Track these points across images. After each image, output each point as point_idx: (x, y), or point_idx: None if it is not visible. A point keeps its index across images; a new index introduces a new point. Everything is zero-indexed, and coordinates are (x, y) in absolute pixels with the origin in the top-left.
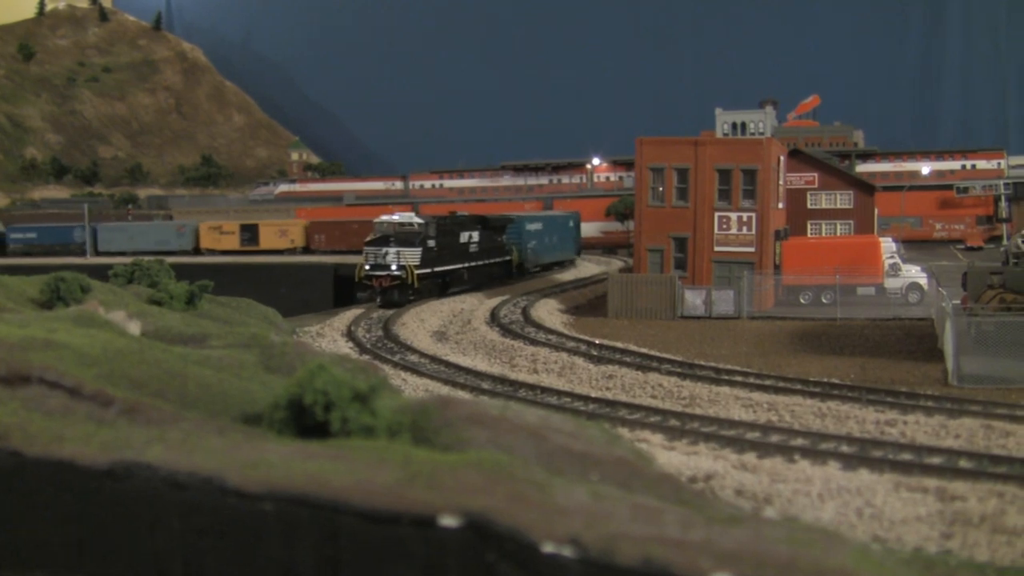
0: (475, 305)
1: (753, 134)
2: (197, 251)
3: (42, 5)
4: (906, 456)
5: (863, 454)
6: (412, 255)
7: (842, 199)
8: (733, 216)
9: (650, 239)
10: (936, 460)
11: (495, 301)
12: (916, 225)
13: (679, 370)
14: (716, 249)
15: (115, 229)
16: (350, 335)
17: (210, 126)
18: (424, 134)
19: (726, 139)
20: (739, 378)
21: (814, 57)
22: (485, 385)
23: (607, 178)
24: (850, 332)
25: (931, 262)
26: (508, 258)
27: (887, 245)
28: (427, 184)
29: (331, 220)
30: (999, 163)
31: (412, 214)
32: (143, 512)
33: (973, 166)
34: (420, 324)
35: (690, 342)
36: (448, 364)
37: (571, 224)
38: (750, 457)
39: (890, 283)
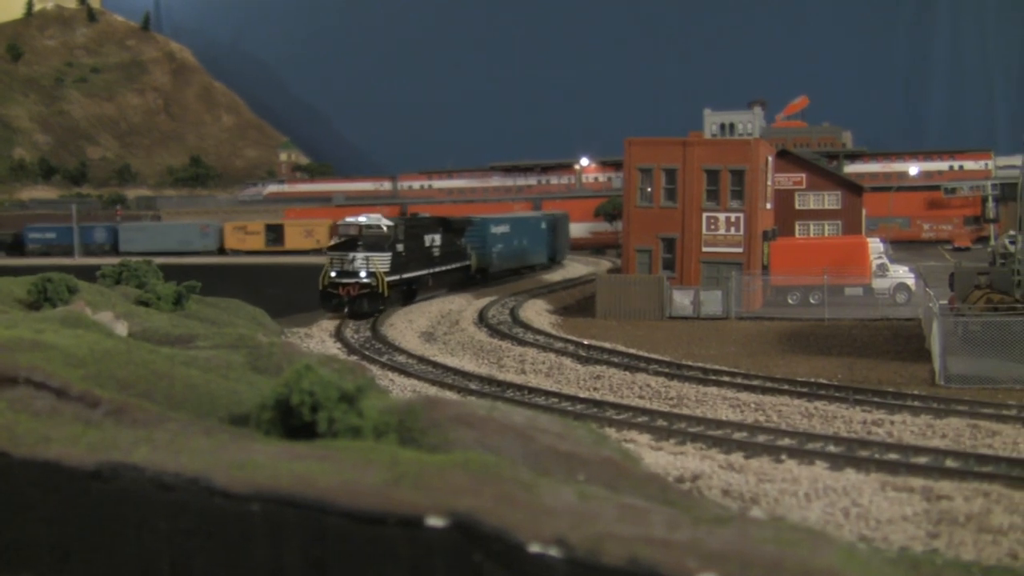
0: (463, 306)
1: (742, 135)
2: (222, 251)
3: (30, 5)
4: (893, 456)
5: (850, 454)
6: (382, 261)
7: (830, 200)
8: (721, 217)
9: (638, 240)
10: (923, 460)
11: (483, 302)
12: (904, 226)
13: (667, 370)
14: (704, 250)
15: (137, 229)
16: (338, 335)
17: (199, 127)
18: (413, 135)
19: (714, 140)
20: (727, 378)
21: (803, 58)
22: (473, 386)
23: (596, 179)
24: (838, 332)
25: (919, 262)
26: (468, 263)
27: (875, 245)
28: (416, 185)
29: None
30: (987, 164)
31: (379, 216)
32: (130, 513)
33: (961, 167)
34: (408, 325)
35: (678, 342)
36: (436, 365)
37: (543, 226)
38: (737, 457)
39: (878, 283)
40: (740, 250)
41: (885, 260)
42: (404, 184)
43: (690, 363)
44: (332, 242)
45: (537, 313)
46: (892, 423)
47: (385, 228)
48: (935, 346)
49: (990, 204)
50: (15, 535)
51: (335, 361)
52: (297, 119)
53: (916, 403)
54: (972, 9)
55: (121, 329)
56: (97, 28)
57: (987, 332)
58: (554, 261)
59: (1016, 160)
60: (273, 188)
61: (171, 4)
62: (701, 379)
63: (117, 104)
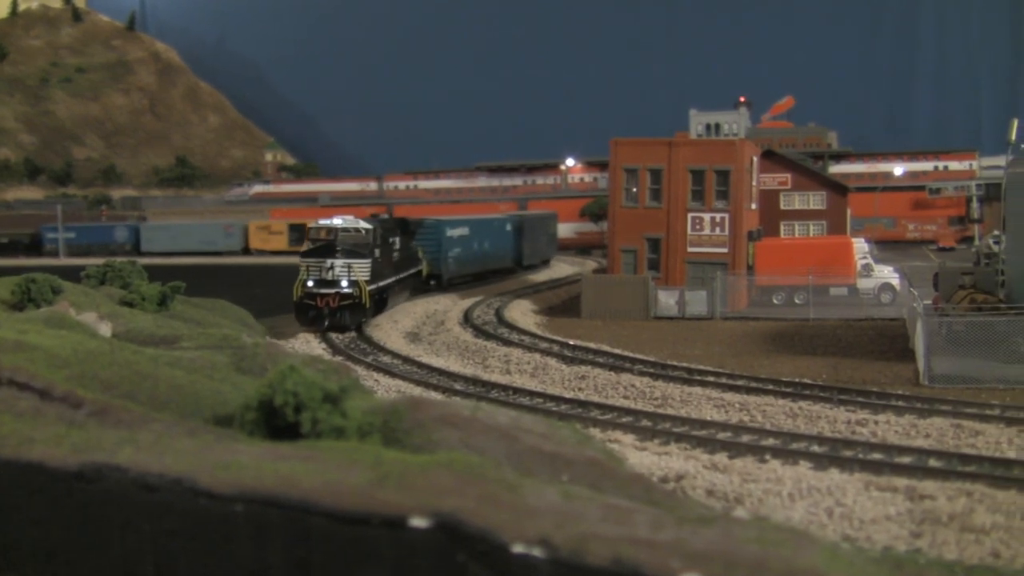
0: (448, 306)
1: (727, 135)
2: (246, 251)
3: (15, 5)
4: (876, 456)
5: (834, 454)
6: (362, 268)
7: (815, 200)
8: (706, 217)
9: (624, 240)
10: (906, 460)
11: (469, 302)
12: (889, 226)
13: (652, 371)
14: (689, 250)
15: (159, 228)
16: (324, 336)
17: (184, 127)
18: (399, 135)
19: (699, 140)
20: (711, 378)
21: (789, 59)
22: (457, 386)
23: (581, 179)
24: (822, 332)
25: (903, 262)
26: (419, 268)
27: (860, 246)
28: (401, 185)
29: None
30: (971, 164)
31: (353, 217)
32: (114, 514)
33: (946, 167)
34: (393, 325)
35: (663, 343)
36: (421, 365)
37: (508, 228)
38: (721, 457)
39: (862, 283)
40: (725, 250)
41: (870, 260)
42: (390, 184)
43: (675, 363)
44: (305, 247)
45: (522, 313)
46: (876, 423)
47: (364, 231)
48: (919, 346)
49: (974, 204)
50: None
51: (319, 362)
52: (283, 119)
53: (900, 403)
54: (957, 10)
55: (105, 330)
56: (82, 28)
57: (971, 332)
58: (521, 266)
59: (1000, 161)
60: (259, 188)
61: (157, 4)
62: (686, 379)
63: (102, 104)
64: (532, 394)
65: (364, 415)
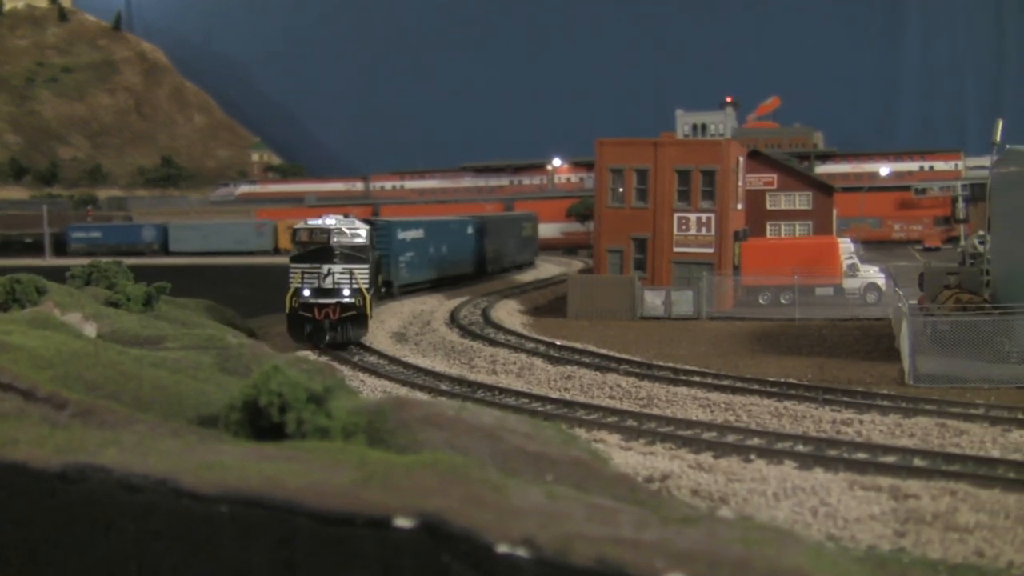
0: (435, 306)
1: (713, 135)
2: (277, 251)
3: (0, 5)
4: (861, 455)
5: (819, 453)
6: (362, 274)
7: (801, 200)
8: (692, 217)
9: (610, 240)
10: (891, 459)
11: (455, 302)
12: (875, 226)
13: (637, 371)
14: (675, 250)
15: (188, 228)
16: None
17: (170, 127)
18: (385, 135)
19: (685, 140)
20: (697, 378)
21: (775, 59)
22: (443, 386)
23: (568, 179)
24: (808, 332)
25: (889, 262)
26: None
27: (845, 246)
28: (388, 185)
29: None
30: (957, 164)
31: (346, 216)
32: (97, 515)
33: (931, 167)
34: (380, 325)
35: (649, 343)
36: (407, 365)
37: (469, 231)
38: (706, 457)
39: (848, 283)
40: (711, 250)
41: (855, 260)
42: (376, 184)
43: (661, 363)
44: (294, 250)
45: (509, 314)
46: (861, 422)
47: (363, 232)
48: (904, 346)
49: (960, 205)
50: None
51: (304, 362)
52: (269, 119)
53: (885, 402)
54: (942, 11)
55: (90, 330)
56: (68, 28)
57: (956, 332)
58: (485, 272)
59: (986, 161)
60: (245, 189)
61: (143, 4)
62: (672, 379)
63: (88, 104)
64: (518, 394)
65: (349, 415)
